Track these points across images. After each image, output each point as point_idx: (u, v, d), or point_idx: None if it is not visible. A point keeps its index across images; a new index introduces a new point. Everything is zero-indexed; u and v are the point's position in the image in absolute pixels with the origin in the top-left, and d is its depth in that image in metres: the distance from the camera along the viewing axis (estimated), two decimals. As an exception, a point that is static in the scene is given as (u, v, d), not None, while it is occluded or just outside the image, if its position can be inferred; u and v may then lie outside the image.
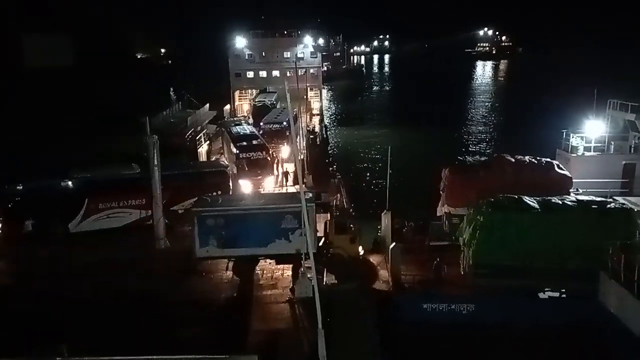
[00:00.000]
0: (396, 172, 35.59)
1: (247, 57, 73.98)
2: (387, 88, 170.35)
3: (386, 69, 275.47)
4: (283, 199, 28.91)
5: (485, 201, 25.27)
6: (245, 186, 38.07)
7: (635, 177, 32.54)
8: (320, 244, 26.32)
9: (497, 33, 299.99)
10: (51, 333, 19.24)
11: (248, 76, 74.36)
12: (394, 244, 25.99)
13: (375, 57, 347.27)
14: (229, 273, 25.96)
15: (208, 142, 50.35)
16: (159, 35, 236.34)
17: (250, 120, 56.62)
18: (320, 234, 27.00)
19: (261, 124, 51.28)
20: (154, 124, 33.06)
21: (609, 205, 24.67)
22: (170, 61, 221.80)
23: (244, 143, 40.35)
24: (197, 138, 47.18)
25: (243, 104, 75.07)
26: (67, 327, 20.28)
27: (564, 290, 24.10)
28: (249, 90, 75.93)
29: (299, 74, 54.33)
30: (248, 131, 44.55)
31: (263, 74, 74.01)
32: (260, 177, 38.44)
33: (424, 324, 22.92)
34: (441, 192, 31.35)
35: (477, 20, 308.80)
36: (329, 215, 28.36)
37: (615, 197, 28.37)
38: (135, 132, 34.14)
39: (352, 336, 19.94)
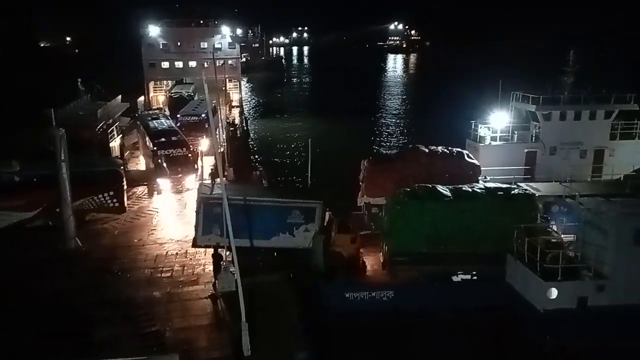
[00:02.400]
0: (317, 164, 36.02)
1: (161, 47, 71.34)
2: (307, 80, 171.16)
3: (305, 60, 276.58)
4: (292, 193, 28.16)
5: (402, 191, 26.19)
6: (164, 185, 36.77)
7: (536, 164, 35.04)
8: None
9: (407, 27, 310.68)
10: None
11: (163, 66, 71.77)
12: (316, 234, 26.22)
13: (295, 49, 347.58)
14: (147, 271, 25.12)
15: (121, 135, 48.09)
16: (65, 22, 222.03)
17: (167, 112, 54.78)
18: None
19: (178, 116, 49.73)
20: (60, 117, 31.09)
21: (513, 192, 26.40)
22: (77, 50, 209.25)
23: (163, 139, 38.81)
24: (109, 131, 44.87)
25: (158, 95, 72.37)
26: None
27: (474, 273, 25.55)
28: (165, 82, 73.35)
29: (217, 64, 53.24)
30: (166, 126, 42.93)
31: (179, 64, 71.77)
32: (180, 175, 37.23)
33: (347, 312, 23.47)
34: (361, 183, 32.09)
35: (389, 14, 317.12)
36: (330, 213, 28.09)
37: (519, 183, 30.39)
38: (39, 125, 31.92)
39: (277, 328, 19.97)
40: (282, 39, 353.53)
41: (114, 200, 31.43)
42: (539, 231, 24.22)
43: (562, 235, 24.69)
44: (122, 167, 33.73)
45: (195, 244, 25.51)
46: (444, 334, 22.81)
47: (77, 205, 29.19)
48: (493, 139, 35.32)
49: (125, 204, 32.55)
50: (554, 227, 25.67)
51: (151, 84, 71.99)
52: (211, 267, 24.28)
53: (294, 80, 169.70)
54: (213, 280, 23.58)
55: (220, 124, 48.78)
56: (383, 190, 28.91)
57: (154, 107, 65.67)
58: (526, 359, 22.11)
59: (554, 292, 22.03)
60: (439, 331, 22.92)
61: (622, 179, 33.35)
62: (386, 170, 30.71)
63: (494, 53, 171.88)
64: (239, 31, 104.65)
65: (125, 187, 32.72)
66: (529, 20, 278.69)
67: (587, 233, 23.12)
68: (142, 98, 68.56)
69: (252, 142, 67.91)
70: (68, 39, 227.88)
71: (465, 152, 32.59)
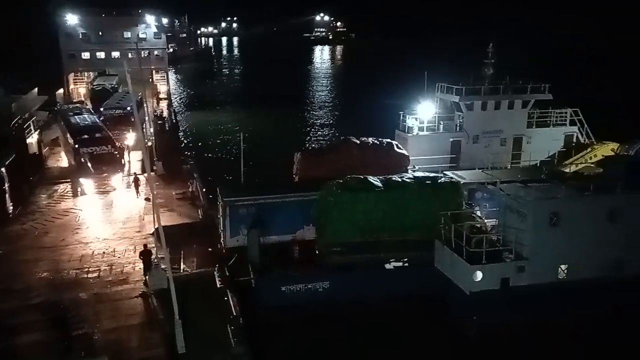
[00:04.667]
0: (250, 157, 35.72)
1: (81, 37, 67.76)
2: (237, 71, 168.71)
3: (235, 51, 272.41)
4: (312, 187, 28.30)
5: (334, 182, 26.52)
6: (88, 185, 35.02)
7: (460, 152, 36.49)
8: None
9: (332, 19, 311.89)
10: None
11: (83, 57, 68.21)
12: (250, 229, 26.10)
13: (224, 40, 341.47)
14: (72, 272, 24.00)
15: (39, 131, 45.33)
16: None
17: (89, 106, 52.30)
18: None
19: (102, 109, 47.67)
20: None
21: (440, 180, 27.39)
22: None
23: (85, 136, 36.87)
24: (25, 126, 42.15)
25: (79, 87, 68.84)
26: None
27: (406, 260, 26.38)
28: (86, 73, 69.86)
29: (142, 55, 51.40)
30: (90, 122, 40.85)
31: (101, 55, 68.50)
32: (106, 174, 35.58)
33: (284, 305, 23.59)
34: (294, 176, 32.14)
35: (315, 5, 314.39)
36: None
37: (445, 172, 31.57)
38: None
39: (213, 324, 19.73)
40: (210, 29, 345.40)
41: None
42: (464, 217, 25.36)
43: (486, 220, 25.99)
44: (2, 169, 30.77)
45: (224, 248, 26.14)
46: (377, 321, 23.47)
47: None
48: (420, 129, 36.36)
49: (9, 210, 30.45)
50: (478, 213, 26.94)
51: (71, 76, 68.31)
52: (141, 265, 23.58)
53: (225, 71, 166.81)
54: (144, 278, 22.94)
55: (147, 117, 47.22)
56: (316, 182, 29.10)
57: (74, 100, 62.41)
58: (454, 339, 23.16)
59: (479, 275, 23.18)
60: (373, 318, 23.56)
61: (538, 164, 35.49)
62: (319, 162, 30.92)
63: (420, 46, 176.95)
64: (164, 20, 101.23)
65: (6, 190, 30.38)
66: (455, 15, 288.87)
67: (508, 217, 24.48)
68: (61, 91, 65.03)
69: (181, 135, 66.20)
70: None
71: (394, 142, 33.36)
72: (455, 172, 32.14)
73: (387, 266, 26.35)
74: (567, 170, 33.68)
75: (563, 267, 24.27)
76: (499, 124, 36.84)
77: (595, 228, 24.01)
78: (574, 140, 38.14)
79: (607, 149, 35.83)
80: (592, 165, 34.61)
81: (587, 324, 23.14)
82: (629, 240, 24.43)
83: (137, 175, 34.89)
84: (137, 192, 33.98)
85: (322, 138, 67.42)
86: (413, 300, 24.22)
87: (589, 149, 36.46)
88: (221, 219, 26.46)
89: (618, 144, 36.12)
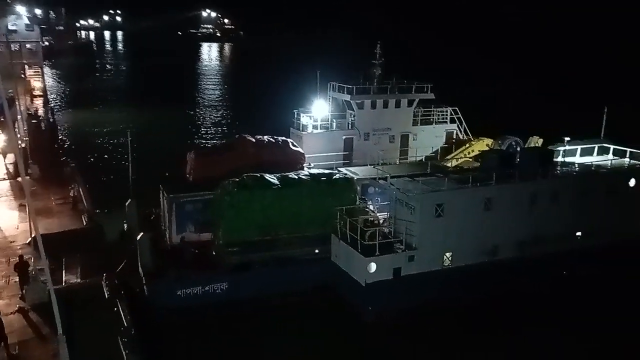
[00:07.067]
0: (139, 158, 33.97)
1: (-63, 26, 60.46)
2: (123, 67, 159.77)
3: (120, 46, 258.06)
4: None
5: (231, 181, 26.12)
6: None
7: (353, 149, 37.64)
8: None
9: (219, 15, 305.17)
10: None
11: (-59, 49, 60.86)
12: (142, 233, 24.92)
13: (107, 34, 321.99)
14: None
15: None
16: None
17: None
18: None
19: (-36, 107, 42.68)
20: None
21: (334, 177, 28.06)
22: None
23: None
24: None
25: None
26: None
27: (304, 255, 26.66)
28: (-56, 67, 62.37)
29: (13, 49, 47.01)
30: None
31: (-37, 47, 61.56)
32: None
33: (181, 309, 22.82)
34: (187, 176, 31.14)
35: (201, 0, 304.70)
36: None
37: (339, 168, 32.37)
38: None
39: (101, 337, 18.55)
40: (91, 22, 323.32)
41: None
42: (358, 211, 26.24)
43: (378, 214, 27.08)
44: None
45: (170, 243, 26.09)
46: (277, 317, 23.53)
47: None
48: (314, 127, 36.94)
49: None
50: (371, 207, 27.97)
51: None
52: (17, 278, 21.51)
53: (108, 67, 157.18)
54: (20, 292, 20.96)
55: (19, 116, 43.23)
56: (211, 181, 28.44)
57: None
58: (352, 330, 23.86)
59: (373, 266, 24.09)
60: (272, 315, 23.57)
61: (423, 160, 37.66)
62: (213, 161, 30.23)
63: (312, 44, 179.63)
64: (38, 11, 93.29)
65: None
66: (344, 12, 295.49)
67: (398, 210, 25.70)
68: None
69: (60, 136, 61.31)
70: None
71: (290, 140, 33.54)
72: (349, 168, 33.09)
73: (287, 263, 26.43)
74: (449, 164, 36.05)
75: (448, 254, 25.97)
76: (387, 122, 38.46)
77: (473, 217, 25.98)
78: (454, 136, 40.91)
79: (483, 144, 38.87)
80: (470, 159, 37.42)
81: (469, 305, 25.03)
82: (502, 227, 26.74)
83: None
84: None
85: (215, 137, 66.04)
86: (311, 295, 24.62)
87: (467, 145, 39.26)
88: (166, 215, 26.24)
89: (492, 140, 39.38)
